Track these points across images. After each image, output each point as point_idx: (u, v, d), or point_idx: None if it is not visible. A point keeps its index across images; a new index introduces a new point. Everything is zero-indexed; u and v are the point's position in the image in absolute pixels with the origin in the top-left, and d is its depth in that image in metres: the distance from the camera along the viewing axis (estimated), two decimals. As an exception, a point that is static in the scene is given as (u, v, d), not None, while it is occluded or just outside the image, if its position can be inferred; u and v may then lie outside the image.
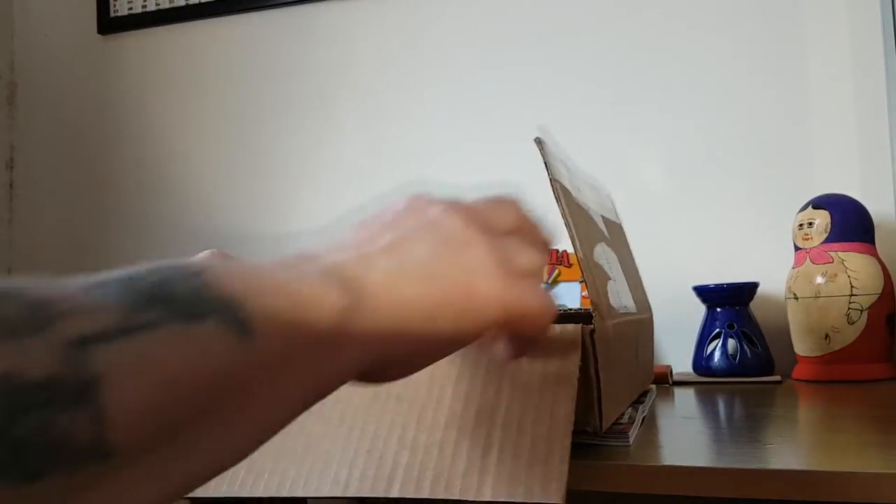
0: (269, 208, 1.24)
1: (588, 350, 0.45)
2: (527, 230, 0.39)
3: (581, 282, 1.02)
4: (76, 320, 0.21)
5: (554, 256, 1.04)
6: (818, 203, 0.87)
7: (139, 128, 1.33)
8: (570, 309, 0.65)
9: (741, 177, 1.02)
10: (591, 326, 0.45)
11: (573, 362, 0.45)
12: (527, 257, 0.36)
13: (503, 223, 0.38)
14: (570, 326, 0.46)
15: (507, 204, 0.41)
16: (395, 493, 0.41)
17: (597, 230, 0.61)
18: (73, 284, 0.23)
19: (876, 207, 0.90)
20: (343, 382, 0.30)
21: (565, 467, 0.40)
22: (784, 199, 0.94)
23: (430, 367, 0.34)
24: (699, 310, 0.93)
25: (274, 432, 0.27)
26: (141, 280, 0.24)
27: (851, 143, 0.98)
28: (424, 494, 0.41)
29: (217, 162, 1.28)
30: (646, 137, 1.06)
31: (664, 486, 0.42)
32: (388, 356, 0.31)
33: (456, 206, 0.36)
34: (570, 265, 1.03)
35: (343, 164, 1.21)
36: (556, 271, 1.03)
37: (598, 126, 1.08)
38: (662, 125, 1.06)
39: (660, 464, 0.43)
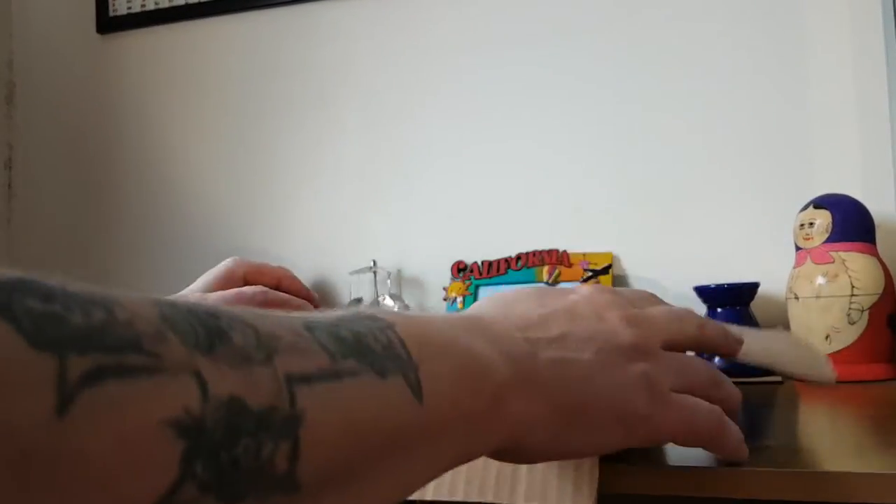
0: (270, 208, 1.24)
1: None
2: (702, 348, 0.42)
3: (581, 281, 1.02)
4: (294, 358, 0.23)
5: (555, 256, 1.04)
6: (819, 203, 0.87)
7: (139, 127, 1.33)
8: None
9: (741, 177, 1.02)
10: None
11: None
12: (691, 379, 0.37)
13: (678, 340, 0.39)
14: None
15: (687, 320, 0.40)
16: (429, 496, 0.42)
17: None
18: (290, 322, 0.25)
19: (877, 207, 0.90)
20: (483, 454, 0.32)
21: (596, 472, 0.40)
22: (785, 199, 0.94)
23: None
24: (699, 310, 0.93)
25: (416, 489, 0.29)
26: (345, 328, 0.26)
27: (852, 142, 0.98)
28: (458, 497, 0.42)
29: (217, 161, 1.27)
30: (645, 137, 1.06)
31: (664, 486, 0.42)
32: (528, 443, 0.32)
33: (634, 319, 0.36)
34: (570, 265, 1.03)
35: (343, 164, 1.20)
36: (557, 271, 1.03)
37: (597, 126, 1.08)
38: (662, 125, 1.05)
39: (660, 464, 0.43)
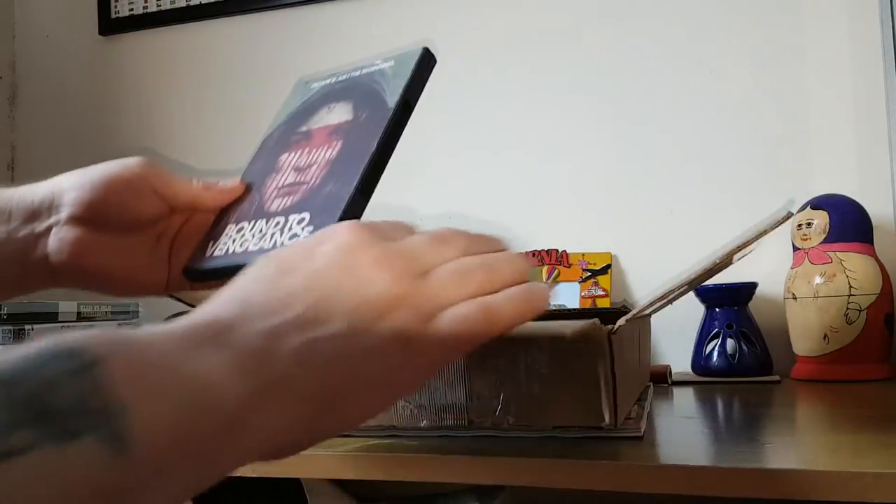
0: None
1: (605, 349, 0.48)
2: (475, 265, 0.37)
3: (581, 281, 1.02)
4: None
5: (554, 256, 1.04)
6: (817, 203, 0.87)
7: (140, 128, 1.33)
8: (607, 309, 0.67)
9: (740, 177, 1.02)
10: (611, 327, 0.48)
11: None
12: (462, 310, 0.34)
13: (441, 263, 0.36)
14: (591, 326, 0.49)
15: (453, 242, 0.37)
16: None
17: None
18: None
19: (874, 208, 0.90)
20: (244, 464, 0.29)
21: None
22: (783, 200, 0.95)
23: None
24: (698, 310, 0.93)
25: None
26: (24, 384, 0.23)
27: (850, 143, 0.98)
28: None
29: (217, 162, 1.28)
30: (644, 137, 1.06)
31: (664, 486, 0.42)
32: (286, 442, 0.31)
33: (389, 258, 0.34)
34: (569, 265, 1.04)
35: (343, 164, 1.21)
36: (556, 271, 1.03)
37: (596, 126, 1.08)
38: (661, 125, 1.06)
39: (660, 464, 0.44)
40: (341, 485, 0.82)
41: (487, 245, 0.40)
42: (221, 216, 0.51)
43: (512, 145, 1.13)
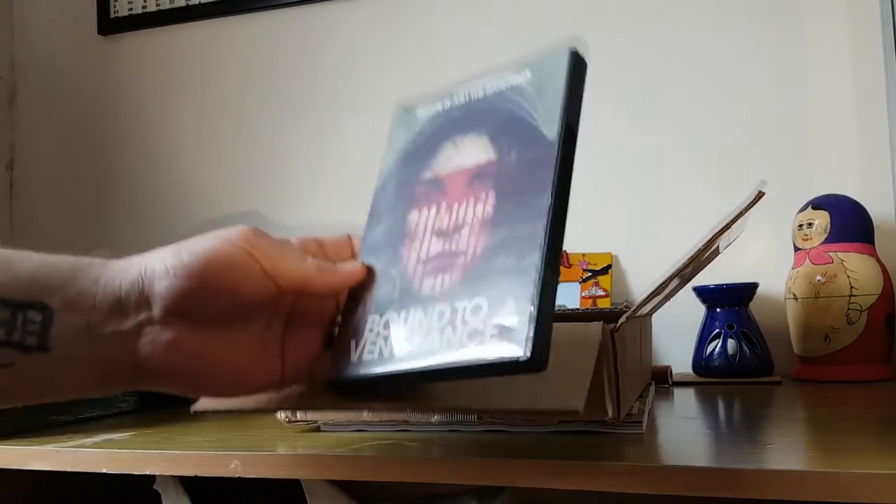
0: (270, 210, 1.24)
1: (608, 347, 0.49)
2: None
3: (581, 281, 1.02)
4: None
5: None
6: (818, 204, 0.87)
7: (139, 128, 1.33)
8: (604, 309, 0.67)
9: (741, 177, 1.02)
10: (613, 325, 0.50)
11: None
12: None
13: None
14: (593, 324, 0.50)
15: None
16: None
17: None
18: None
19: (875, 208, 0.90)
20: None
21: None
22: (784, 200, 0.94)
23: None
24: (699, 310, 0.93)
25: None
26: None
27: (851, 143, 0.98)
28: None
29: (217, 162, 1.28)
30: (644, 137, 1.06)
31: (664, 486, 0.42)
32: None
33: None
34: (569, 265, 1.03)
35: (343, 164, 1.21)
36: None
37: (596, 126, 1.08)
38: (662, 125, 1.06)
39: (660, 464, 0.43)
40: (341, 485, 0.81)
41: None
42: (354, 301, 0.42)
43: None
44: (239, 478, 0.51)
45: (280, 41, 1.25)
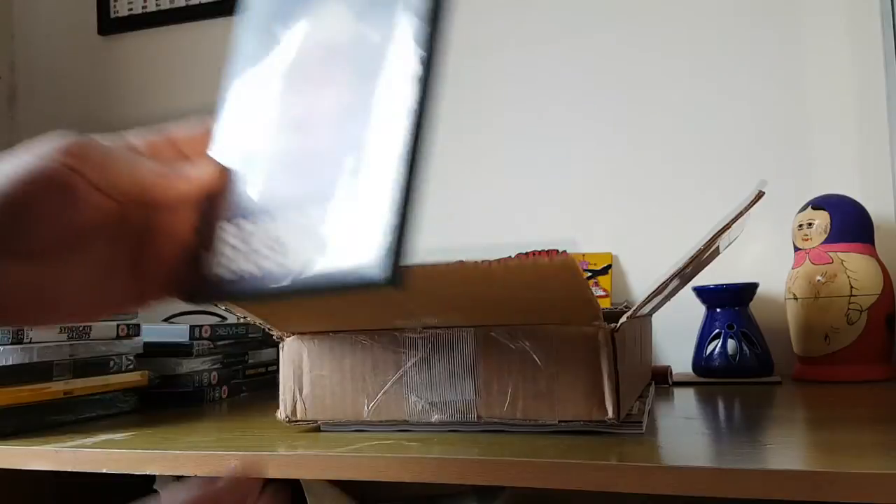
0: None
1: (608, 347, 0.49)
2: None
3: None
4: None
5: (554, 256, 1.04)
6: (818, 204, 0.87)
7: (139, 128, 1.33)
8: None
9: (741, 177, 1.02)
10: (613, 325, 0.48)
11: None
12: None
13: None
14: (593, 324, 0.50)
15: None
16: None
17: None
18: None
19: (875, 208, 0.90)
20: None
21: None
22: (784, 200, 0.94)
23: None
24: (699, 310, 0.93)
25: None
26: None
27: (851, 143, 0.98)
28: None
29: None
30: (644, 137, 1.06)
31: (664, 486, 0.42)
32: None
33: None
34: (570, 266, 1.03)
35: (343, 164, 1.20)
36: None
37: (596, 126, 1.08)
38: (661, 125, 1.06)
39: (660, 464, 0.43)
40: (341, 485, 0.81)
41: None
42: (212, 207, 0.37)
43: (512, 146, 1.13)
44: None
45: (280, 41, 1.25)
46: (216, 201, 0.36)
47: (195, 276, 0.36)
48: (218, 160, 0.37)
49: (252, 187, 0.35)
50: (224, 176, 0.36)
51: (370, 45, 0.34)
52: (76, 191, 0.32)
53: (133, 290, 0.36)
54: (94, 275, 0.34)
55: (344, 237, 0.31)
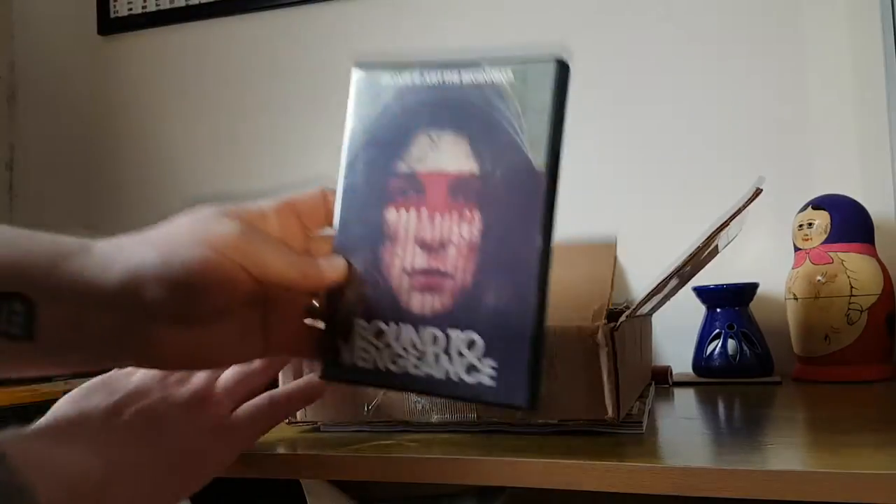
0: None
1: (608, 346, 0.49)
2: None
3: (581, 282, 1.02)
4: None
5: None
6: (818, 204, 0.87)
7: (139, 129, 1.33)
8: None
9: (741, 177, 1.02)
10: (614, 324, 0.48)
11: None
12: None
13: None
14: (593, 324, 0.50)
15: None
16: None
17: None
18: None
19: (876, 208, 0.90)
20: None
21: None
22: (784, 200, 0.94)
23: None
24: (699, 310, 0.93)
25: None
26: None
27: (851, 143, 0.98)
28: None
29: (216, 162, 1.28)
30: (644, 138, 1.06)
31: (664, 486, 0.42)
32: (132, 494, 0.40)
33: None
34: (570, 266, 1.03)
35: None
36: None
37: (596, 126, 1.08)
38: (661, 125, 1.06)
39: (660, 464, 0.43)
40: (341, 485, 0.81)
41: None
42: (335, 295, 0.43)
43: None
44: (239, 478, 0.51)
45: (280, 41, 1.25)
46: (345, 292, 0.42)
47: (333, 360, 0.42)
48: (345, 261, 0.43)
49: (383, 293, 0.41)
50: (353, 274, 0.43)
51: (492, 175, 0.38)
52: (238, 280, 0.40)
53: (260, 347, 0.44)
54: (233, 335, 0.42)
55: (486, 359, 0.37)
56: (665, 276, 0.57)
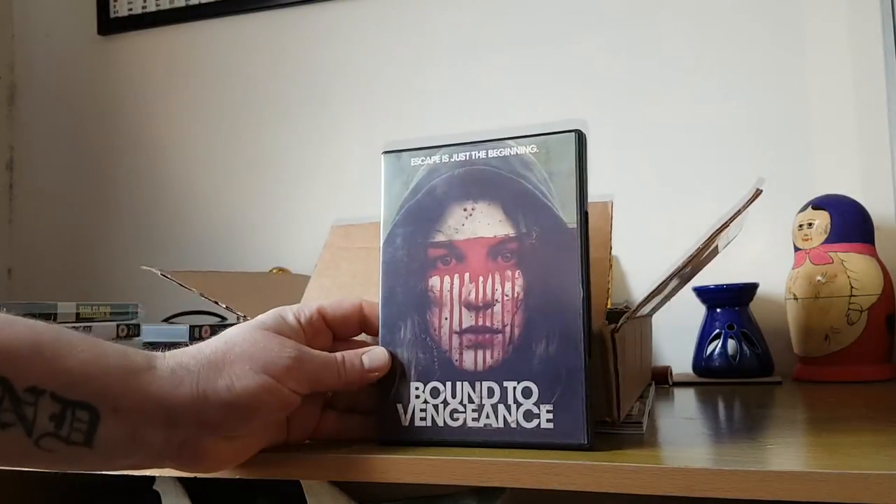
0: (268, 208, 1.24)
1: (609, 346, 0.49)
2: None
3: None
4: None
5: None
6: (818, 204, 0.87)
7: (139, 128, 1.33)
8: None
9: (741, 177, 1.02)
10: (613, 325, 0.50)
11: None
12: None
13: None
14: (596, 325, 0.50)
15: None
16: None
17: None
18: None
19: (876, 208, 0.90)
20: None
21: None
22: (784, 200, 0.94)
23: None
24: (699, 310, 0.93)
25: None
26: None
27: (851, 143, 0.98)
28: None
29: (216, 162, 1.28)
30: (644, 137, 1.06)
31: (664, 486, 0.42)
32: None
33: None
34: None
35: (342, 164, 1.21)
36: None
37: (596, 125, 1.08)
38: (661, 124, 1.06)
39: (660, 465, 0.43)
40: (341, 486, 0.81)
41: None
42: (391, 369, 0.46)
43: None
44: (239, 478, 0.51)
45: (280, 41, 1.25)
46: (395, 361, 0.46)
47: (392, 426, 0.46)
48: (386, 353, 0.46)
49: (436, 355, 0.44)
50: (393, 363, 0.46)
51: (528, 236, 0.42)
52: (290, 401, 0.44)
53: (283, 438, 0.48)
54: (264, 437, 0.47)
55: (543, 404, 0.42)
56: (665, 276, 0.57)
